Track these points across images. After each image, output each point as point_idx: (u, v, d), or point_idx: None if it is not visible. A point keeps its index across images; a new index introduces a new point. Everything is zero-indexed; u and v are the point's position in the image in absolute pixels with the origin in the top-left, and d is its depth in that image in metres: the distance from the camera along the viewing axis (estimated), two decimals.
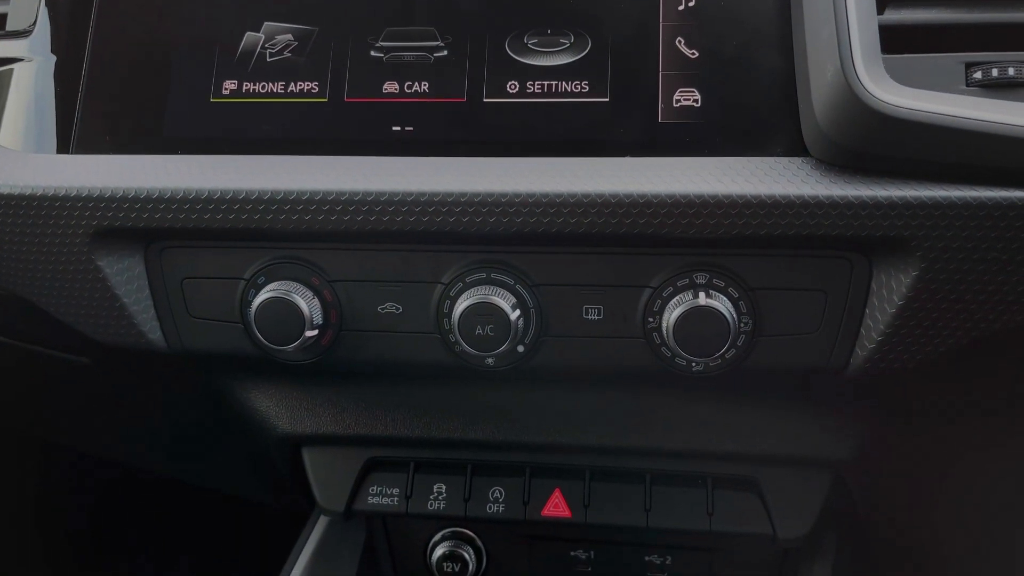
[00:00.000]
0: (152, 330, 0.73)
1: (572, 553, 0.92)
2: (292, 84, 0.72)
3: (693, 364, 0.67)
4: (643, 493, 0.81)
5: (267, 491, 1.13)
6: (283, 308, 0.69)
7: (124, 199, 0.69)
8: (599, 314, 0.69)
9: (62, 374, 0.99)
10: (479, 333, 0.67)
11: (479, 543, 0.93)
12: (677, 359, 0.68)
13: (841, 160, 0.63)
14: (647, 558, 0.91)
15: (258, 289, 0.70)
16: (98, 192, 0.69)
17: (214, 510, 1.42)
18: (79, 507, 1.48)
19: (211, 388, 0.86)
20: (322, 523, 0.91)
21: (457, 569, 0.92)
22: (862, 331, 0.65)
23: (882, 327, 0.64)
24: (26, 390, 1.13)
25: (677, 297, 0.66)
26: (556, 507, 0.83)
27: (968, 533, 0.91)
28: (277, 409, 0.84)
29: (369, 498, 0.84)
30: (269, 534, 1.17)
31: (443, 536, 0.94)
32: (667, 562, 0.90)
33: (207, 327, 0.73)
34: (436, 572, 0.92)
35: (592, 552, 0.92)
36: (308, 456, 0.85)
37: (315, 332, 0.70)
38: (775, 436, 0.77)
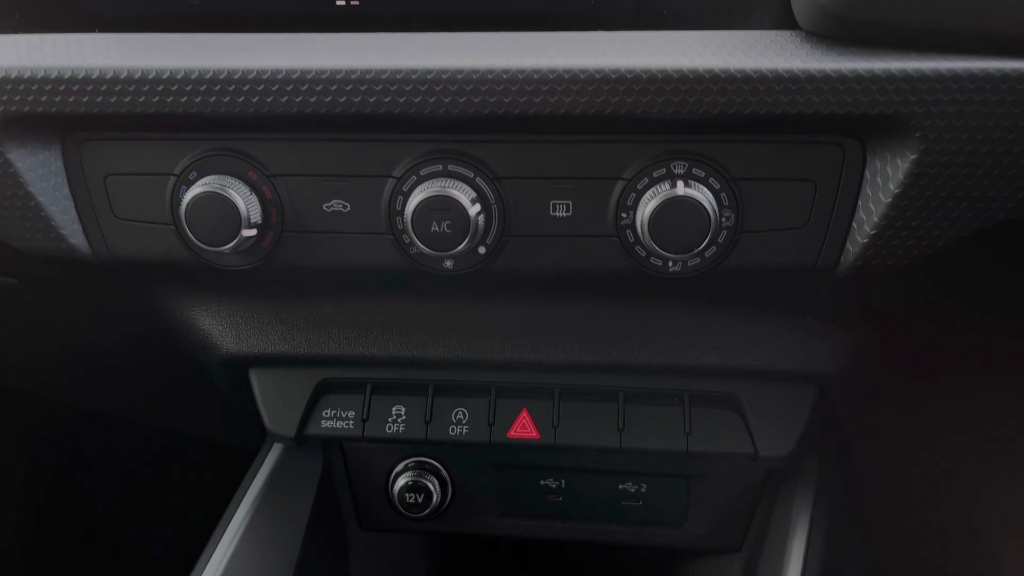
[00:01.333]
0: (74, 234, 0.66)
1: (542, 482, 0.87)
2: None
3: (670, 263, 0.62)
4: (616, 412, 0.76)
5: (217, 425, 1.07)
6: (217, 205, 0.62)
7: (34, 80, 0.61)
8: (567, 210, 0.62)
9: None
10: (435, 231, 0.61)
11: (444, 473, 0.88)
12: (652, 259, 0.62)
13: (834, 32, 0.57)
14: (621, 486, 0.86)
15: (189, 185, 0.63)
16: (4, 73, 0.62)
17: (163, 449, 1.36)
18: (21, 448, 1.41)
19: (149, 307, 0.79)
20: (275, 452, 0.86)
21: (420, 500, 0.87)
22: (854, 225, 0.60)
23: (876, 220, 0.59)
24: None
25: (653, 189, 0.60)
26: (523, 428, 0.77)
27: (955, 454, 0.87)
28: (221, 328, 0.77)
29: (323, 422, 0.78)
30: (221, 473, 1.11)
31: (405, 466, 0.88)
32: (642, 490, 0.86)
33: (135, 229, 0.66)
34: (398, 503, 0.87)
35: (563, 481, 0.87)
36: (256, 378, 0.79)
37: (253, 232, 0.63)
38: (757, 349, 0.72)
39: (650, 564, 0.95)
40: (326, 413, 0.78)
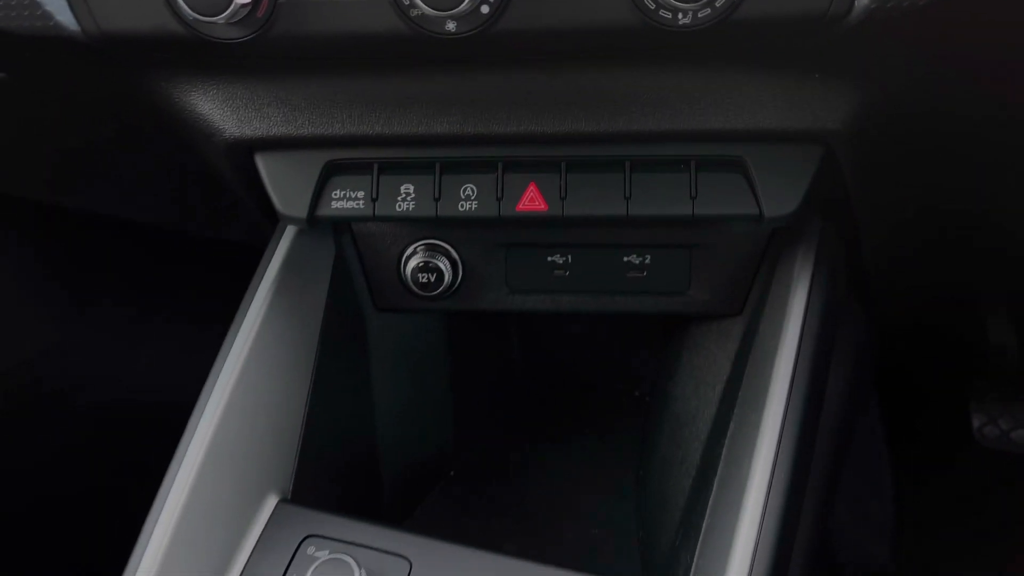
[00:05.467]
0: (60, 10, 0.64)
1: (549, 259, 0.90)
2: None
3: (679, 15, 0.60)
4: (623, 181, 0.76)
5: (225, 221, 1.08)
6: None
7: None
8: None
9: None
10: None
11: (453, 254, 0.90)
12: (662, 11, 0.60)
13: None
14: (626, 259, 0.88)
15: None
16: None
17: (171, 249, 1.38)
18: (36, 256, 1.43)
19: (146, 96, 0.77)
20: (286, 239, 0.87)
21: (433, 280, 0.90)
22: None
23: None
24: None
25: None
26: (531, 201, 0.78)
27: (954, 216, 0.89)
28: (222, 112, 0.76)
29: (333, 203, 0.79)
30: (233, 269, 1.14)
31: (415, 249, 0.90)
32: (646, 261, 0.88)
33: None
34: (411, 283, 0.89)
35: (569, 256, 0.89)
36: (262, 162, 0.79)
37: (247, 0, 0.61)
38: (764, 110, 0.71)
39: (654, 332, 1.00)
40: (335, 194, 0.79)
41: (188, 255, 1.38)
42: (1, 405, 1.27)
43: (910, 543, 1.47)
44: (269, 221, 0.89)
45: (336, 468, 0.85)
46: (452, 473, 1.02)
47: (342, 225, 0.89)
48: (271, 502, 0.77)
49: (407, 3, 0.61)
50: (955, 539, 1.47)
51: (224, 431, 0.75)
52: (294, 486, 0.79)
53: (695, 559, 0.71)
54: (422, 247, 0.90)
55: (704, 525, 0.73)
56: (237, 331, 0.80)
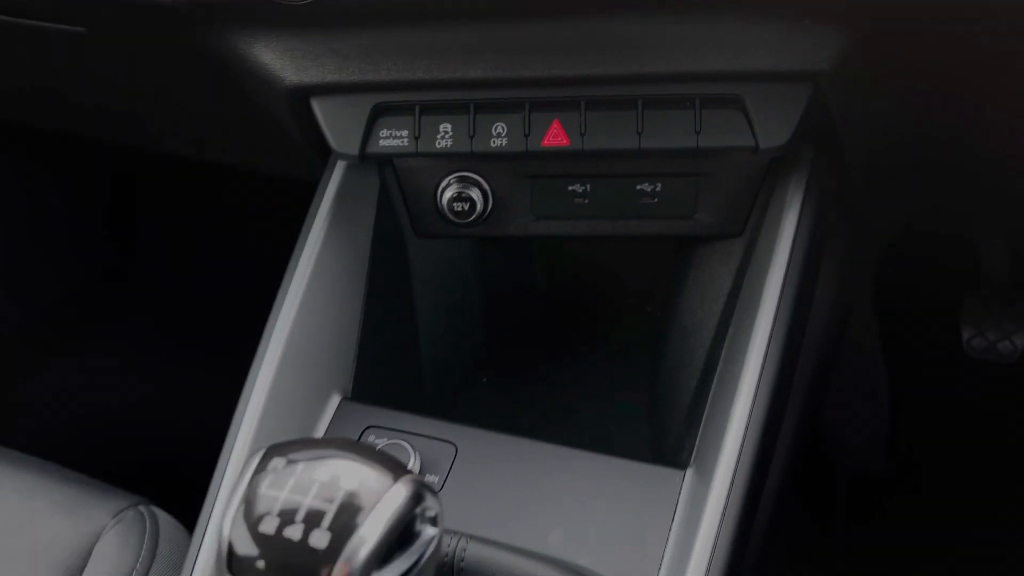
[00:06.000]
0: None
1: (570, 188, 1.00)
2: None
3: None
4: (635, 118, 0.87)
5: (280, 160, 1.19)
6: None
7: None
8: None
9: (60, 50, 1.00)
10: None
11: (484, 185, 1.01)
12: None
13: None
14: (638, 187, 0.99)
15: None
16: None
17: (232, 187, 1.51)
18: (98, 197, 1.56)
19: (215, 49, 0.88)
20: (338, 172, 0.98)
21: (467, 208, 1.01)
22: None
23: None
24: (24, 72, 1.14)
25: None
26: (555, 137, 0.89)
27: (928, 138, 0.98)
28: (282, 62, 0.87)
29: (380, 141, 0.90)
30: (286, 204, 1.26)
31: (449, 182, 1.01)
32: (657, 189, 0.99)
33: None
34: (447, 212, 1.01)
35: (588, 185, 1.00)
36: (318, 106, 0.90)
37: None
38: (760, 52, 0.81)
39: (664, 253, 1.11)
40: (382, 133, 0.90)
41: (247, 191, 1.51)
42: None
43: (904, 451, 1.60)
44: (320, 159, 1.01)
45: (387, 371, 0.98)
46: (484, 380, 1.15)
47: (385, 161, 1.00)
48: (335, 400, 0.90)
49: None
50: (946, 447, 1.60)
51: (294, 340, 0.88)
52: (353, 386, 0.92)
53: (696, 443, 0.84)
54: (456, 179, 1.00)
55: (704, 415, 0.86)
56: (300, 254, 0.93)
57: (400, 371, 1.01)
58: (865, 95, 0.86)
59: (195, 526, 0.82)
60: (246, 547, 0.45)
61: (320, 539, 0.44)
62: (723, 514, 0.75)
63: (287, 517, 0.45)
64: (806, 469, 1.40)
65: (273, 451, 0.48)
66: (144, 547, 0.87)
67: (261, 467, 0.47)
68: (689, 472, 0.81)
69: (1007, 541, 1.45)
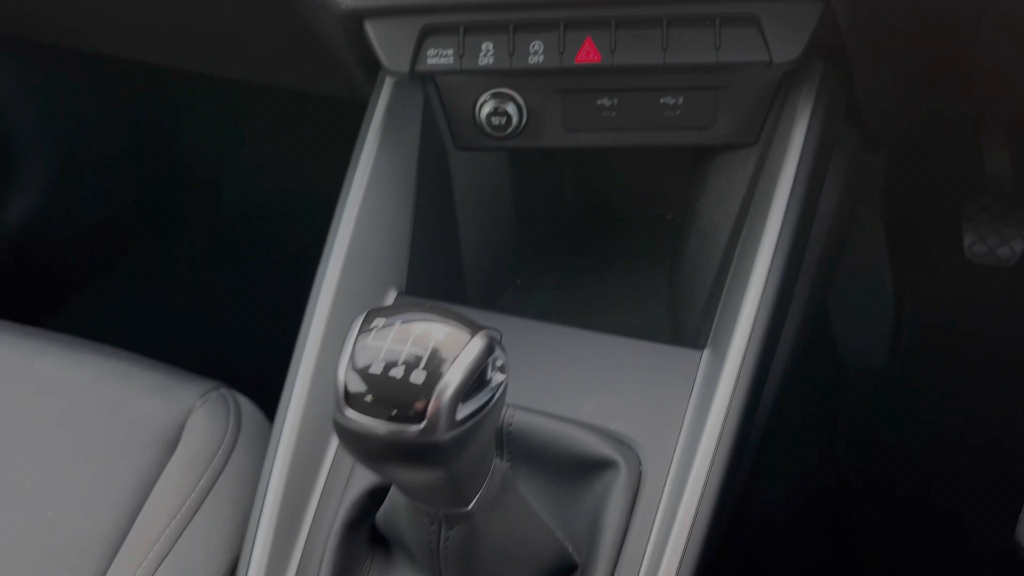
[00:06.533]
0: None
1: (598, 102, 1.09)
2: None
3: None
4: (660, 36, 0.96)
5: (331, 80, 1.28)
6: None
7: None
8: None
9: None
10: None
11: (520, 100, 1.10)
12: None
13: None
14: (662, 100, 1.08)
15: None
16: None
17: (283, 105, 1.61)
18: (134, 115, 1.66)
19: None
20: (386, 89, 1.08)
21: (503, 122, 1.10)
22: None
23: None
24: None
25: None
26: (588, 54, 0.98)
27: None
28: None
29: (428, 60, 0.99)
30: (336, 122, 1.36)
31: (488, 96, 1.10)
32: (679, 102, 1.07)
33: None
34: (485, 125, 1.10)
35: (616, 99, 1.09)
36: (371, 27, 0.99)
37: None
38: None
39: (683, 164, 1.21)
40: (430, 52, 0.99)
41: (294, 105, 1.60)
42: None
43: (907, 346, 1.72)
44: (367, 78, 1.10)
45: (435, 271, 1.09)
46: (519, 282, 1.26)
47: (429, 79, 1.09)
48: (392, 294, 1.02)
49: None
50: (947, 346, 1.72)
51: (356, 240, 0.99)
52: (407, 281, 1.03)
53: (712, 329, 0.95)
54: (494, 96, 1.09)
55: (720, 304, 0.97)
56: (357, 163, 1.03)
57: (446, 271, 1.13)
58: (871, 13, 0.94)
59: (277, 404, 0.94)
60: (357, 386, 0.57)
61: (418, 377, 0.56)
62: (735, 385, 0.87)
63: (390, 362, 0.57)
64: (814, 363, 1.52)
65: (373, 313, 0.59)
66: (230, 422, 1.00)
67: (365, 326, 0.59)
68: (706, 352, 0.92)
69: (1005, 434, 1.57)
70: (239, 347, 1.61)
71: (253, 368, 1.20)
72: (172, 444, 1.00)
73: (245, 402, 1.06)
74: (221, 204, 2.00)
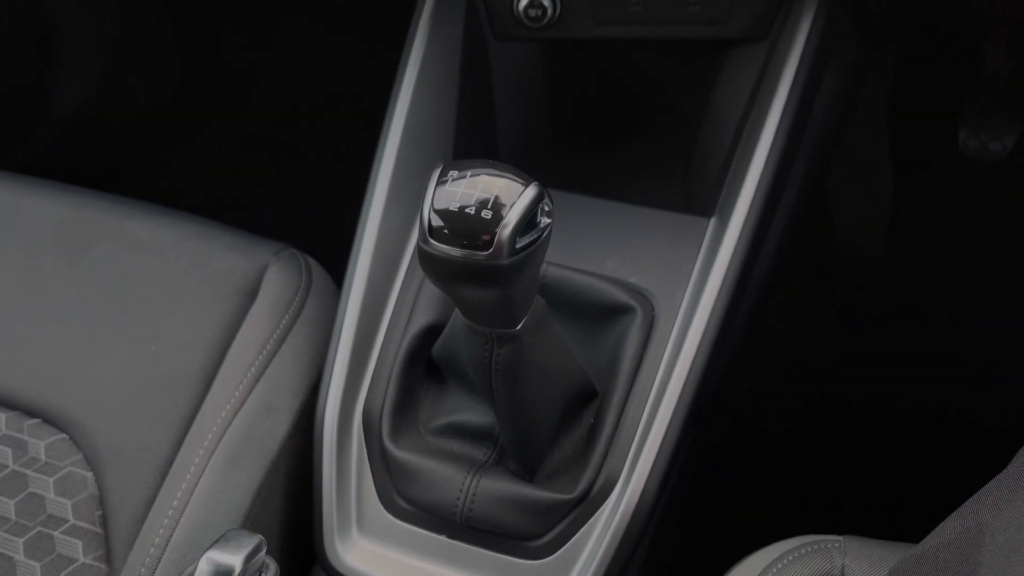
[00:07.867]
0: None
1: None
2: None
3: None
4: None
5: None
6: None
7: None
8: None
9: None
10: None
11: None
12: None
13: None
14: None
15: None
16: None
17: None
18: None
19: None
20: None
21: (539, 14, 1.22)
22: None
23: None
24: None
25: None
26: None
27: None
28: None
29: None
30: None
31: None
32: None
33: None
34: (523, 16, 1.22)
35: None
36: None
37: None
38: None
39: (702, 59, 1.33)
40: None
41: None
42: None
43: (901, 237, 1.86)
44: None
45: (475, 148, 1.23)
46: (549, 163, 1.40)
47: None
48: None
49: None
50: (941, 236, 1.85)
51: (411, 120, 1.14)
52: (452, 157, 1.18)
53: (719, 200, 1.10)
54: None
55: (727, 179, 1.11)
56: (410, 51, 1.16)
57: (483, 150, 1.27)
58: None
59: (346, 265, 1.10)
60: (438, 221, 0.73)
61: (485, 215, 0.72)
62: (735, 246, 1.02)
63: (464, 204, 0.73)
64: (811, 248, 1.67)
65: (448, 167, 0.75)
66: (303, 276, 1.17)
67: (442, 176, 0.74)
68: (713, 219, 1.08)
69: (1004, 327, 1.72)
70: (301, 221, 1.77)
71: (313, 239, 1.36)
72: (252, 294, 1.16)
73: (312, 261, 1.22)
74: (263, 101, 2.12)
